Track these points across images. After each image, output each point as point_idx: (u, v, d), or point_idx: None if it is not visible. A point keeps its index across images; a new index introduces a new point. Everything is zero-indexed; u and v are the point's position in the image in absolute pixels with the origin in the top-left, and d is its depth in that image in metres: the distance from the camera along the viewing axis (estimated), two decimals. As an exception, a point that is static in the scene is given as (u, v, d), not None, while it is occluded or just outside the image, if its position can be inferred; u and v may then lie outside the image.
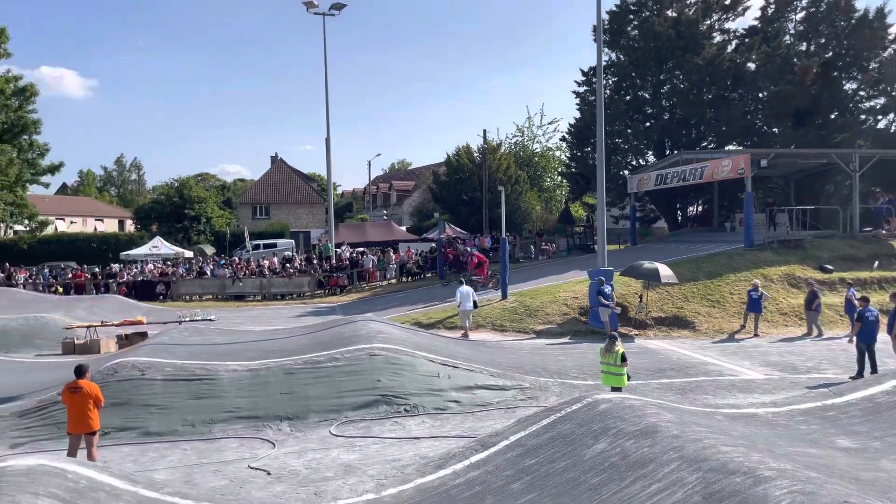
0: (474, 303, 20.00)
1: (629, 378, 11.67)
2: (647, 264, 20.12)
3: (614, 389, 10.75)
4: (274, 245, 45.21)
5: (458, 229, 41.99)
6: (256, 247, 43.68)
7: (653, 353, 17.11)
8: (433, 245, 35.69)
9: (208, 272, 33.54)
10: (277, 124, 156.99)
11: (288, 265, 33.79)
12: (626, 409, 7.89)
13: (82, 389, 8.96)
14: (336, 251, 36.05)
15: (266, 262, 34.63)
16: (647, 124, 38.26)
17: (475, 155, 45.38)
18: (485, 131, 43.85)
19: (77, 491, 6.73)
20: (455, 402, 12.38)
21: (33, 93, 35.92)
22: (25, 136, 35.34)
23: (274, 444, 10.54)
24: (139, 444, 10.74)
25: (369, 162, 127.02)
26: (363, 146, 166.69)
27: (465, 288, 19.96)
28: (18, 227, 40.97)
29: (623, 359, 11.01)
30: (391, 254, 34.94)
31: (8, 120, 33.90)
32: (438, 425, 11.37)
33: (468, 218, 43.47)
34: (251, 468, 9.46)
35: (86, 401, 8.92)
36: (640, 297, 20.79)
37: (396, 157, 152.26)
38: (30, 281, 32.78)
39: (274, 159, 67.34)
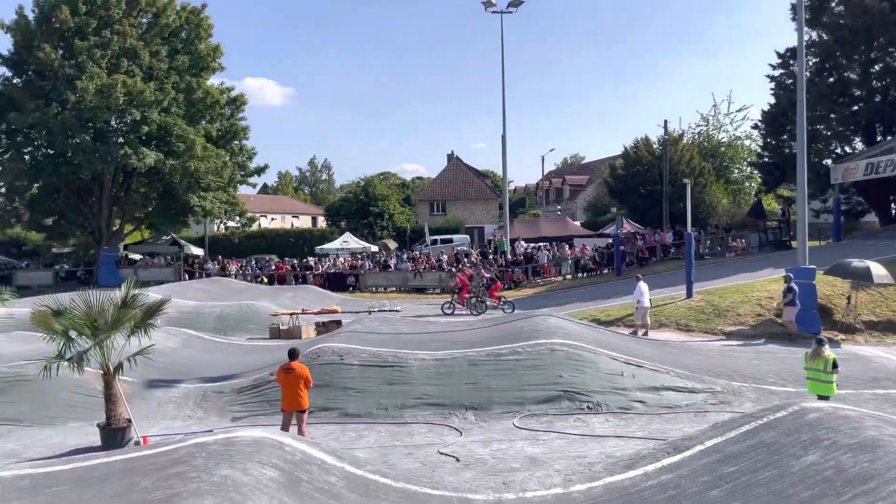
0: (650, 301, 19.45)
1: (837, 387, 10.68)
2: (856, 262, 18.24)
3: (821, 398, 9.90)
4: (450, 240, 46.51)
5: (636, 224, 40.66)
6: (434, 242, 45.22)
7: (864, 360, 15.47)
8: (610, 241, 34.88)
9: (392, 266, 35.35)
10: (452, 123, 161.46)
11: (466, 260, 34.68)
12: (839, 419, 7.25)
13: (295, 371, 9.87)
14: (510, 246, 36.44)
15: (444, 257, 35.81)
16: (855, 108, 34.50)
17: (655, 146, 43.62)
18: (665, 122, 41.84)
19: (294, 462, 7.45)
20: (640, 402, 12.06)
21: (243, 102, 40.08)
22: (236, 142, 39.52)
23: (461, 432, 10.91)
24: (339, 423, 11.62)
25: (542, 157, 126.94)
26: (535, 141, 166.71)
27: (644, 284, 19.37)
28: (231, 224, 45.93)
29: (835, 365, 10.11)
30: (566, 249, 34.65)
31: (222, 127, 38.08)
32: (623, 425, 11.15)
33: (646, 212, 41.93)
34: (441, 453, 9.88)
35: (298, 381, 9.82)
36: (848, 298, 18.87)
37: (569, 151, 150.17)
38: (240, 272, 36.58)
39: (450, 157, 69.17)
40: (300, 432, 9.79)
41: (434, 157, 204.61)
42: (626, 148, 46.18)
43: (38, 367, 12.07)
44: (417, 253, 39.49)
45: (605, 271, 32.60)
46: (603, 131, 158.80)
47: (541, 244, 37.16)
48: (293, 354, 10.12)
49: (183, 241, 43.28)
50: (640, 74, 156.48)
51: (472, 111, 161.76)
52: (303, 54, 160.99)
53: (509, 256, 34.87)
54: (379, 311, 21.03)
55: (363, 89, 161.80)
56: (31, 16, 34.52)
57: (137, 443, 10.43)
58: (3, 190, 36.01)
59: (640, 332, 18.81)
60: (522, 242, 37.58)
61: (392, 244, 49.07)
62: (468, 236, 50.42)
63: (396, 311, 21.18)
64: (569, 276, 33.10)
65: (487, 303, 24.12)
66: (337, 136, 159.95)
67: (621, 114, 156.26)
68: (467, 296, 24.43)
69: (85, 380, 11.75)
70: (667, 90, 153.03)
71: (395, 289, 33.91)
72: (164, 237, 43.22)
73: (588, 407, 11.86)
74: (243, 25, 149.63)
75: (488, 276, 26.74)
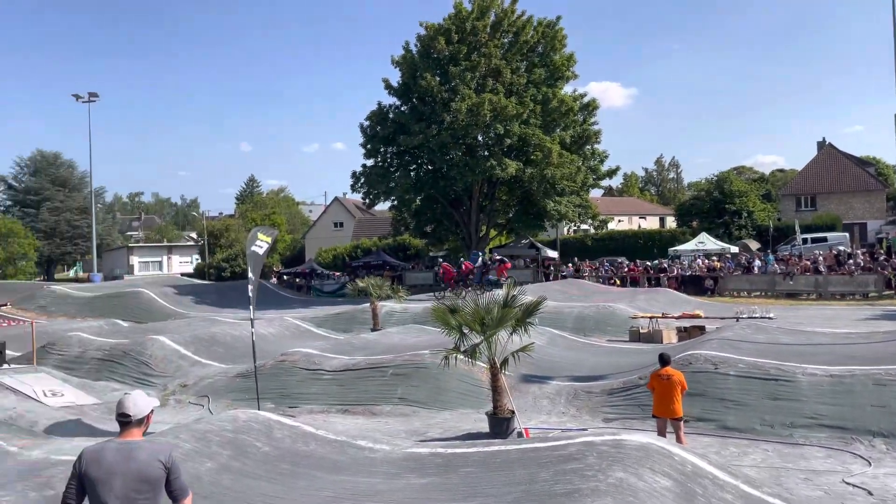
0: None
1: None
2: None
3: None
4: (823, 239, 41.17)
5: None
6: (804, 241, 40.54)
7: None
8: None
9: (756, 268, 32.52)
10: (817, 108, 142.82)
11: (850, 261, 30.25)
12: None
13: (672, 377, 9.56)
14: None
15: (821, 258, 31.72)
16: None
17: None
18: None
19: (685, 474, 7.20)
20: None
21: (595, 107, 40.71)
22: (588, 146, 40.33)
23: (869, 462, 9.44)
24: (718, 436, 10.95)
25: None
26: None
27: None
28: (584, 227, 47.11)
29: None
30: None
31: (575, 133, 39.21)
32: None
33: None
34: (846, 483, 8.66)
35: (674, 388, 9.49)
36: None
37: None
38: (592, 273, 37.28)
39: (821, 145, 61.22)
40: (678, 440, 9.45)
41: (795, 147, 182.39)
42: None
43: (433, 356, 13.85)
44: (787, 253, 35.68)
45: None
46: None
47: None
48: (666, 360, 9.82)
49: (539, 245, 45.69)
50: None
51: (843, 92, 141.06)
52: (645, 53, 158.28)
53: (907, 257, 29.40)
54: (748, 317, 19.43)
55: (709, 82, 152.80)
56: (414, 50, 39.90)
57: (520, 433, 11.20)
58: (395, 203, 42.28)
59: None
60: (926, 240, 31.37)
61: (753, 244, 45.20)
62: (846, 234, 44.01)
63: (769, 317, 19.33)
64: None
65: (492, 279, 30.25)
66: (683, 132, 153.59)
67: None
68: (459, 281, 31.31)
69: (475, 371, 13.06)
70: None
71: (759, 293, 31.20)
72: (522, 241, 46.15)
73: None
74: (586, 33, 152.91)
75: (498, 257, 33.96)
